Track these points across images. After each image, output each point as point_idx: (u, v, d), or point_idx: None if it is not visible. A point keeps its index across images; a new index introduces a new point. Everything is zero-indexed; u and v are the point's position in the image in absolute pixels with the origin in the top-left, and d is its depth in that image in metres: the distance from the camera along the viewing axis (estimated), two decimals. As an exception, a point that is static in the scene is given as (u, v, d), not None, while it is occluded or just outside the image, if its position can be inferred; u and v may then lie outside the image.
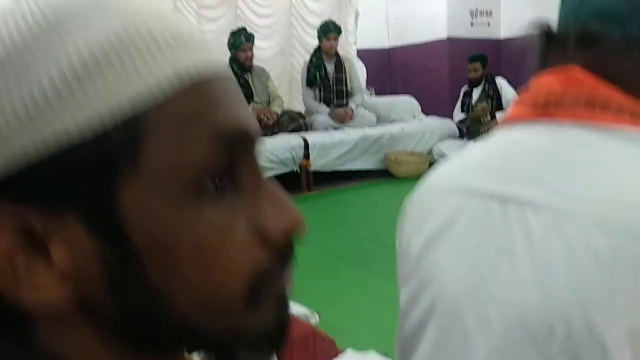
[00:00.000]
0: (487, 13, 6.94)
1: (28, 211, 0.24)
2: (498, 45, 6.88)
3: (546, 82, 0.54)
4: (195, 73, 0.26)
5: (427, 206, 0.59)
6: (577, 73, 0.52)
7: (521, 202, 0.48)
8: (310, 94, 4.53)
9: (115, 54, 0.24)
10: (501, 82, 4.68)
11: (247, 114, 0.29)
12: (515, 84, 4.76)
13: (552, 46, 0.56)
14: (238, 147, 0.28)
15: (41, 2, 0.25)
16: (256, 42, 4.33)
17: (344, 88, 4.58)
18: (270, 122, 4.12)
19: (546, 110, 0.52)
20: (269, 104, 4.33)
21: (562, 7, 0.58)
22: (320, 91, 4.50)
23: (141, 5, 0.27)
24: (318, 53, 4.56)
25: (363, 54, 5.74)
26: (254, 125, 0.29)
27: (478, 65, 4.61)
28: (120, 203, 0.24)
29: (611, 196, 0.44)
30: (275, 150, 3.82)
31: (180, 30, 0.27)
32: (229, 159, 0.27)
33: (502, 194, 0.50)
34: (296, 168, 3.89)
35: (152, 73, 0.25)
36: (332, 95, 4.52)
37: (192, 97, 0.26)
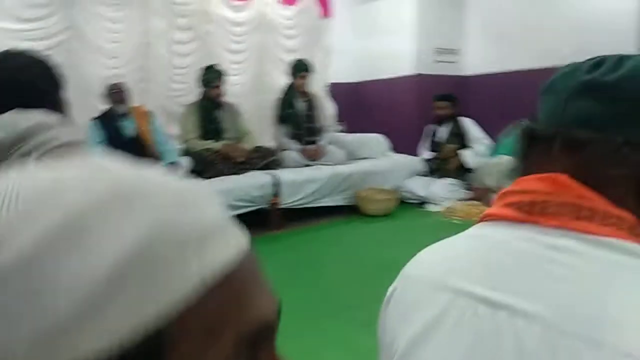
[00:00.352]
0: (452, 51, 7.18)
1: None
2: (464, 82, 7.10)
3: (532, 185, 0.55)
4: (220, 271, 0.25)
5: (412, 299, 0.59)
6: (563, 178, 0.53)
7: (512, 310, 0.48)
8: (281, 130, 4.56)
9: (138, 266, 0.22)
10: (466, 121, 4.81)
11: (269, 298, 0.28)
12: (479, 119, 4.90)
13: (536, 148, 0.58)
14: (261, 341, 0.27)
15: (56, 206, 0.23)
16: (227, 77, 4.35)
17: (315, 125, 4.63)
18: (240, 159, 4.11)
19: (532, 214, 0.53)
20: (238, 140, 4.33)
21: (545, 109, 0.60)
22: (291, 128, 4.54)
23: (165, 196, 0.25)
24: (289, 90, 4.61)
25: (333, 89, 5.83)
26: (273, 308, 0.29)
27: (446, 103, 4.73)
28: None
29: (602, 314, 0.44)
30: (245, 188, 3.81)
31: (204, 221, 0.26)
32: (251, 354, 0.27)
33: (491, 299, 0.50)
34: (266, 205, 3.88)
35: (177, 284, 0.23)
36: (302, 132, 4.55)
37: (216, 298, 0.24)
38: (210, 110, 4.23)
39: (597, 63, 0.57)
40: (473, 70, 7.21)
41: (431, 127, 4.94)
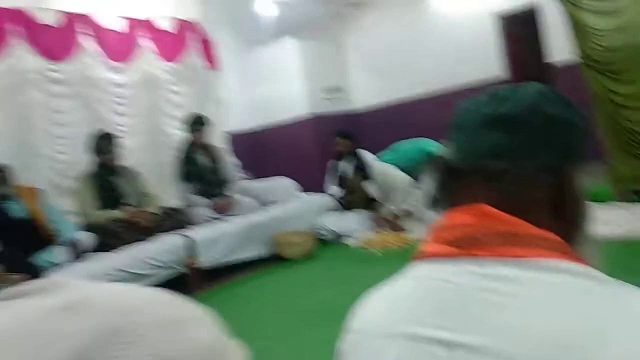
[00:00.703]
0: (339, 89, 7.52)
1: None
2: (354, 116, 7.44)
3: (459, 218, 0.57)
4: None
5: (364, 354, 0.57)
6: (487, 209, 0.56)
7: (467, 348, 0.48)
8: (186, 187, 4.41)
9: None
10: (365, 153, 5.01)
11: None
12: (372, 148, 5.15)
13: (455, 181, 0.61)
14: None
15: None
16: (119, 141, 4.13)
17: (220, 177, 4.54)
18: (146, 224, 3.89)
19: (465, 247, 0.54)
20: (141, 204, 4.10)
21: (456, 144, 0.63)
22: (196, 183, 4.40)
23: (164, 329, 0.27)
24: (188, 145, 4.49)
25: (232, 139, 5.79)
26: None
27: (347, 141, 4.90)
28: None
29: (551, 337, 0.45)
30: (157, 254, 3.59)
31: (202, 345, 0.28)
32: None
33: (445, 340, 0.50)
34: (183, 268, 3.68)
35: None
36: (209, 186, 4.43)
37: None
38: (106, 178, 3.98)
39: (493, 96, 0.62)
40: (361, 104, 7.59)
41: (334, 162, 5.07)
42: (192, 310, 0.31)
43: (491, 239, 0.53)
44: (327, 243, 4.50)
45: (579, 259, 0.53)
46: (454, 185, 0.61)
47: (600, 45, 3.70)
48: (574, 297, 0.48)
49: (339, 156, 4.98)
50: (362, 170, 4.80)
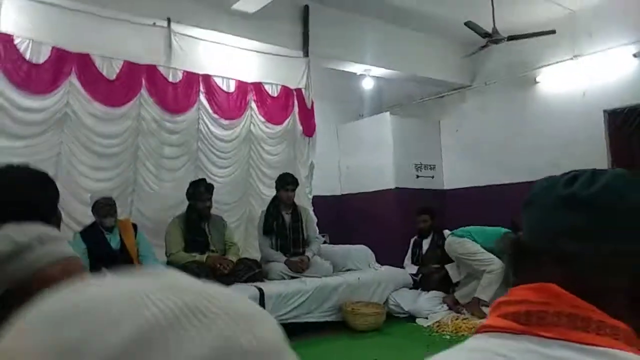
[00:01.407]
0: (430, 167, 7.51)
1: None
2: (442, 195, 7.34)
3: (525, 295, 0.55)
4: None
5: None
6: (555, 288, 0.54)
7: None
8: (266, 241, 4.56)
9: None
10: (447, 233, 4.90)
11: None
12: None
13: (525, 260, 0.59)
14: None
15: (136, 317, 0.26)
16: (215, 189, 4.43)
17: (300, 236, 4.65)
18: (226, 271, 4.05)
19: (529, 324, 0.53)
20: (224, 252, 4.29)
21: (528, 222, 0.62)
22: (276, 239, 4.54)
23: (230, 316, 0.28)
24: (275, 202, 4.69)
25: (316, 201, 5.96)
26: None
27: (427, 216, 4.85)
28: None
29: None
30: (230, 302, 3.69)
31: (262, 343, 0.29)
32: None
33: None
34: (251, 321, 3.74)
35: None
36: (288, 244, 4.55)
37: None
38: (196, 223, 4.25)
39: (573, 177, 0.60)
40: (450, 185, 7.50)
41: (417, 240, 5.00)
42: (260, 309, 0.32)
43: (558, 320, 0.51)
44: (397, 320, 4.37)
45: None
46: (524, 264, 0.60)
47: None
48: None
49: (421, 233, 4.92)
50: (442, 250, 4.68)
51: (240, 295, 0.32)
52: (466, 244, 4.30)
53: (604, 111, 6.03)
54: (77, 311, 0.26)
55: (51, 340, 0.25)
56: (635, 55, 5.70)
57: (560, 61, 6.33)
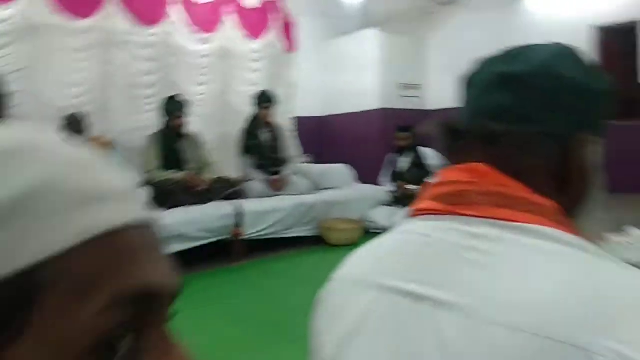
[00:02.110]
0: (415, 86, 7.38)
1: None
2: (426, 116, 7.28)
3: (453, 175, 0.55)
4: (103, 232, 0.25)
5: (339, 302, 0.57)
6: (483, 167, 0.53)
7: (434, 301, 0.47)
8: (245, 160, 4.53)
9: (19, 212, 0.23)
10: (427, 151, 4.89)
11: (160, 270, 0.28)
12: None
13: (456, 143, 0.58)
14: (144, 310, 0.26)
15: None
16: (190, 108, 4.32)
17: (279, 155, 4.62)
18: (201, 189, 4.05)
19: (452, 204, 0.53)
20: (201, 169, 4.27)
21: (465, 103, 0.60)
22: (255, 158, 4.52)
23: (67, 156, 0.27)
24: (253, 121, 4.61)
25: (299, 122, 5.88)
26: (167, 282, 0.28)
27: (407, 134, 4.81)
28: None
29: (518, 298, 0.43)
30: (207, 218, 3.73)
31: (99, 184, 0.27)
32: (133, 323, 0.26)
33: (414, 292, 0.49)
34: (228, 237, 3.80)
35: (53, 236, 0.24)
36: (267, 163, 4.53)
37: (92, 257, 0.25)
38: (172, 140, 4.18)
39: (508, 54, 0.58)
40: (435, 105, 7.42)
41: (392, 156, 4.99)
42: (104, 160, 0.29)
43: (483, 199, 0.51)
44: (374, 235, 4.46)
45: (573, 229, 0.50)
46: (456, 146, 0.59)
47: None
48: (547, 263, 0.45)
49: (398, 151, 4.90)
50: (421, 167, 4.70)
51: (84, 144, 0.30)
52: None
53: (594, 27, 5.86)
54: None
55: None
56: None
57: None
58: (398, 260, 0.54)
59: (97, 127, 3.96)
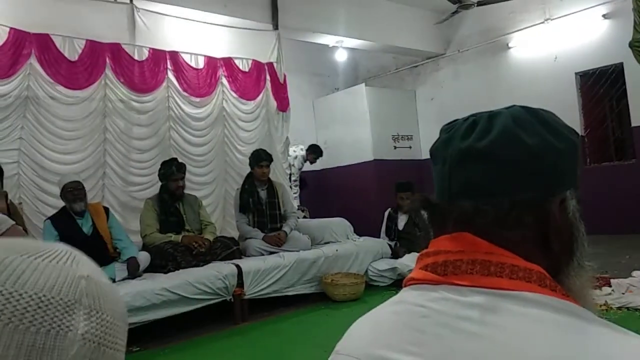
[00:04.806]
0: (407, 137, 7.51)
1: None
2: (420, 166, 7.37)
3: (443, 245, 0.56)
4: None
5: None
6: (470, 237, 0.54)
7: None
8: (243, 219, 4.53)
9: None
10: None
11: None
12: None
13: (438, 216, 0.59)
14: None
15: None
16: (189, 169, 4.37)
17: (277, 212, 4.63)
18: (202, 250, 4.02)
19: (445, 274, 0.54)
20: (200, 231, 4.27)
21: (435, 179, 0.61)
22: (253, 216, 4.52)
23: None
24: (250, 179, 4.65)
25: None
26: None
27: (408, 194, 4.80)
28: None
29: None
30: (207, 279, 3.68)
31: None
32: None
33: None
34: (229, 297, 3.74)
35: None
36: (265, 220, 4.54)
37: None
38: (169, 203, 4.19)
39: (472, 125, 0.57)
40: (427, 154, 7.52)
41: (391, 213, 5.02)
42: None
43: (472, 268, 0.52)
44: (377, 288, 4.41)
45: (562, 293, 0.51)
46: (439, 218, 0.59)
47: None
48: (550, 332, 0.46)
49: (398, 208, 4.94)
50: (418, 226, 4.70)
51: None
52: None
53: (576, 73, 6.07)
54: None
55: None
56: (605, 16, 5.71)
57: (532, 25, 6.34)
58: (396, 332, 0.54)
59: (95, 193, 3.98)
